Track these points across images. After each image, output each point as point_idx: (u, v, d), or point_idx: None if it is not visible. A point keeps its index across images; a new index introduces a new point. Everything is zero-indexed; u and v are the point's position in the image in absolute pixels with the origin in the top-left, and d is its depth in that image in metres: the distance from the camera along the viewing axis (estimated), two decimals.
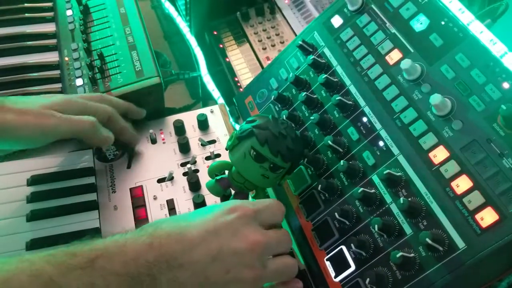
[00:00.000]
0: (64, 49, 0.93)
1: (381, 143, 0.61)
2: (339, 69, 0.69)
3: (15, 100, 0.70)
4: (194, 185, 0.76)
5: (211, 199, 0.74)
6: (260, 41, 1.04)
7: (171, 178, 0.78)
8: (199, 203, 0.73)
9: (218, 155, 0.81)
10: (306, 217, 0.66)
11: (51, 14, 1.03)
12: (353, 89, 0.67)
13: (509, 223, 0.48)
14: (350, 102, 0.66)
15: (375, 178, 0.60)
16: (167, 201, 0.75)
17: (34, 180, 0.78)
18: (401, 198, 0.55)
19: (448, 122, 0.56)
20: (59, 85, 0.89)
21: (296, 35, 1.00)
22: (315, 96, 0.70)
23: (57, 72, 0.91)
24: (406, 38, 0.64)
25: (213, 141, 0.83)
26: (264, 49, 1.02)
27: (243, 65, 1.01)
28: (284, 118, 0.70)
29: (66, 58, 0.92)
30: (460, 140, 0.54)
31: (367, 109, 0.64)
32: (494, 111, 0.53)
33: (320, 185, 0.63)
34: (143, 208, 0.75)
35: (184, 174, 0.79)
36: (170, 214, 0.74)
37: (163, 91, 0.86)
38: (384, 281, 0.55)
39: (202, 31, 1.10)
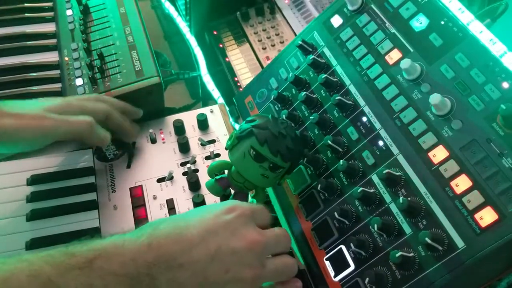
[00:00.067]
0: (64, 49, 0.94)
1: (380, 143, 0.61)
2: (338, 69, 0.70)
3: (12, 104, 0.71)
4: (194, 185, 0.76)
5: (211, 199, 0.74)
6: (260, 41, 1.04)
7: (170, 178, 0.78)
8: (199, 203, 0.73)
9: (218, 155, 0.81)
10: (306, 216, 0.66)
11: (51, 14, 1.03)
12: (352, 89, 0.67)
13: (509, 222, 0.48)
14: (350, 102, 0.66)
15: (375, 178, 0.60)
16: (167, 200, 0.75)
17: (34, 180, 0.78)
18: (401, 198, 0.55)
19: (447, 122, 0.56)
20: (59, 85, 0.89)
21: (296, 35, 1.00)
22: (314, 95, 0.70)
23: (57, 72, 0.91)
24: (406, 38, 0.64)
25: (212, 141, 0.83)
26: (264, 49, 1.02)
27: (243, 65, 1.01)
28: (284, 117, 0.70)
29: (66, 58, 0.92)
30: (459, 139, 0.54)
31: (366, 109, 0.64)
32: (494, 111, 0.53)
33: (319, 185, 0.63)
34: (143, 207, 0.75)
35: (184, 173, 0.79)
36: (170, 213, 0.74)
37: (163, 91, 0.86)
38: (383, 280, 0.55)
39: (202, 31, 1.10)
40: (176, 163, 0.80)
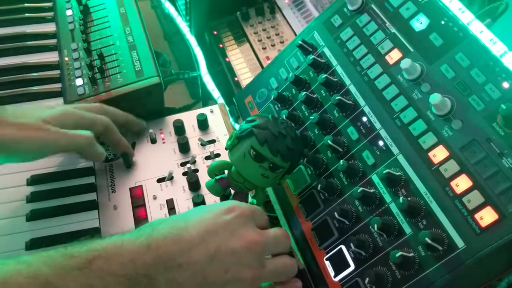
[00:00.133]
0: (64, 49, 0.94)
1: (380, 143, 0.61)
2: (339, 69, 0.69)
3: (13, 113, 0.70)
4: (194, 185, 0.76)
5: (211, 199, 0.74)
6: (260, 40, 1.04)
7: (170, 178, 0.78)
8: (199, 203, 0.73)
9: (218, 155, 0.81)
10: (306, 216, 0.66)
11: (51, 14, 1.03)
12: (352, 89, 0.67)
13: (509, 222, 0.48)
14: (350, 102, 0.65)
15: (375, 178, 0.60)
16: (166, 200, 0.75)
17: (33, 180, 0.78)
18: (401, 198, 0.55)
19: (447, 122, 0.56)
20: (59, 85, 0.89)
21: (296, 34, 1.00)
22: (315, 95, 0.70)
23: (57, 72, 0.91)
24: (406, 37, 0.64)
25: (212, 141, 0.83)
26: (264, 48, 1.02)
27: (243, 65, 1.01)
28: (284, 117, 0.70)
29: (66, 58, 0.92)
30: (459, 139, 0.54)
31: (366, 109, 0.64)
32: (494, 111, 0.53)
33: (319, 185, 0.63)
34: (143, 207, 0.75)
35: (184, 173, 0.79)
36: (169, 213, 0.74)
37: (163, 91, 0.86)
38: (383, 280, 0.54)
39: (202, 31, 1.10)
40: (176, 163, 0.80)
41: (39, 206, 0.75)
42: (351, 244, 0.57)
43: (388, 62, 0.64)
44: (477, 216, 0.50)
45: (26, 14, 1.03)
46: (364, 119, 0.64)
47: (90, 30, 0.95)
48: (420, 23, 0.63)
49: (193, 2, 1.06)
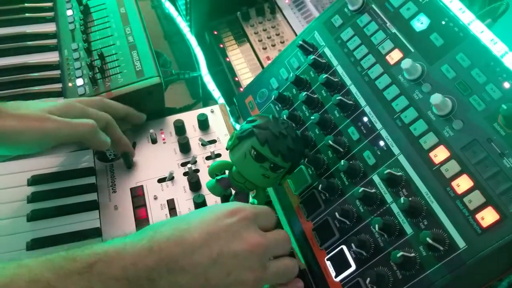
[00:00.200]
0: (65, 49, 0.94)
1: (381, 143, 0.61)
2: (339, 69, 0.69)
3: (15, 106, 0.70)
4: (195, 185, 0.76)
5: (212, 199, 0.74)
6: (260, 41, 1.04)
7: (171, 178, 0.78)
8: (200, 203, 0.73)
9: (219, 155, 0.81)
10: (307, 217, 0.66)
11: (51, 14, 1.03)
12: (353, 89, 0.67)
13: (510, 222, 0.48)
14: (351, 102, 0.65)
15: (376, 178, 0.60)
16: (167, 201, 0.75)
17: (34, 180, 0.78)
18: (402, 198, 0.55)
19: (448, 122, 0.56)
20: (59, 85, 0.89)
21: (296, 35, 1.00)
22: (315, 96, 0.70)
23: (58, 72, 0.91)
24: (407, 38, 0.64)
25: (213, 141, 0.83)
26: (265, 49, 1.02)
27: (243, 65, 1.01)
28: (285, 118, 0.70)
29: (67, 58, 0.92)
30: (460, 139, 0.54)
31: (367, 109, 0.64)
32: (495, 111, 0.53)
33: (320, 185, 0.63)
34: (144, 208, 0.75)
35: (185, 174, 0.79)
36: (170, 214, 0.74)
37: (164, 91, 0.86)
38: (384, 280, 0.55)
39: (202, 31, 1.10)
40: (177, 163, 0.80)
41: (40, 206, 0.75)
42: (352, 244, 0.57)
43: (389, 62, 0.64)
44: (478, 216, 0.50)
45: (27, 14, 1.03)
46: (365, 119, 0.64)
47: (91, 30, 0.95)
48: (420, 23, 0.63)
49: (194, 2, 1.05)
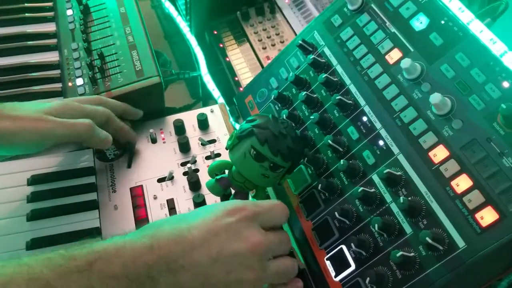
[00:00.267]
0: (64, 48, 0.94)
1: (381, 143, 0.61)
2: (339, 69, 0.69)
3: (11, 107, 0.70)
4: (194, 185, 0.76)
5: (211, 199, 0.74)
6: (260, 40, 1.04)
7: (171, 178, 0.78)
8: (199, 203, 0.73)
9: (218, 155, 0.81)
10: (306, 216, 0.66)
11: (51, 14, 1.03)
12: (353, 89, 0.67)
13: (509, 222, 0.48)
14: (350, 102, 0.65)
15: (375, 178, 0.60)
16: (167, 200, 0.75)
17: (34, 180, 0.78)
18: (401, 198, 0.55)
19: (448, 121, 0.56)
20: (59, 85, 0.89)
21: (296, 34, 1.00)
22: (315, 95, 0.70)
23: (58, 71, 0.91)
24: (406, 37, 0.64)
25: (213, 141, 0.83)
26: (264, 48, 1.02)
27: (243, 65, 1.01)
28: (284, 117, 0.70)
29: (67, 58, 0.92)
30: (460, 139, 0.54)
31: (367, 109, 0.64)
32: (494, 110, 0.53)
33: (320, 185, 0.63)
34: (143, 207, 0.75)
35: (184, 173, 0.79)
36: (170, 213, 0.74)
37: (163, 91, 0.86)
38: (384, 280, 0.54)
39: (202, 30, 1.10)
40: (177, 163, 0.80)
41: (39, 206, 0.75)
42: (352, 244, 0.57)
43: (388, 62, 0.64)
44: (477, 215, 0.50)
45: (26, 14, 1.03)
46: (364, 118, 0.64)
47: (91, 30, 0.95)
48: (420, 22, 0.63)
49: (193, 2, 1.06)
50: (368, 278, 0.55)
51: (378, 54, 0.66)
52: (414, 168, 0.57)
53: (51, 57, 0.95)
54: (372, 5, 0.69)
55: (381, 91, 0.63)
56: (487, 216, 0.49)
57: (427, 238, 0.51)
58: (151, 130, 0.84)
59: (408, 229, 0.55)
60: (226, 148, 0.65)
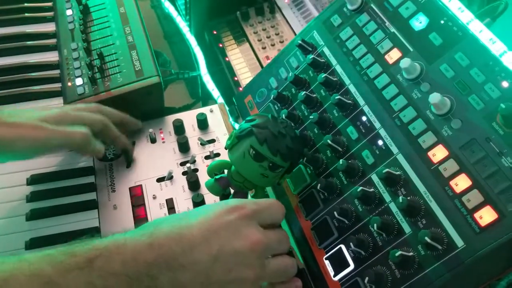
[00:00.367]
0: (64, 48, 0.94)
1: (380, 142, 0.61)
2: (338, 68, 0.69)
3: (9, 113, 0.70)
4: (194, 184, 0.76)
5: (211, 198, 0.74)
6: (259, 40, 1.04)
7: (170, 177, 0.78)
8: (199, 202, 0.73)
9: (218, 155, 0.81)
10: (305, 216, 0.66)
11: (51, 14, 1.03)
12: (352, 88, 0.67)
13: (508, 221, 0.48)
14: (350, 101, 0.65)
15: (374, 177, 0.60)
16: (166, 200, 0.75)
17: (33, 180, 0.78)
18: (400, 197, 0.55)
19: (447, 121, 0.56)
20: (59, 85, 0.89)
21: (295, 34, 1.00)
22: (314, 95, 0.70)
23: (57, 71, 0.91)
24: (406, 37, 0.64)
25: (212, 141, 0.83)
26: (264, 48, 1.02)
27: (242, 65, 1.01)
28: (284, 117, 0.70)
29: (66, 58, 0.92)
30: (459, 139, 0.54)
31: (366, 108, 0.64)
32: (493, 110, 0.53)
33: (319, 184, 0.63)
34: (143, 207, 0.75)
35: (184, 173, 0.79)
36: (169, 213, 0.74)
37: (163, 91, 0.86)
38: (383, 280, 0.54)
39: (201, 30, 1.10)
40: (176, 162, 0.80)
41: (38, 206, 0.75)
42: (351, 244, 0.57)
43: (388, 62, 0.64)
44: (476, 215, 0.50)
45: (26, 14, 1.03)
46: (364, 118, 0.64)
47: (90, 30, 0.95)
48: (419, 22, 0.63)
49: (193, 2, 1.06)
50: (367, 278, 0.55)
51: (377, 54, 0.66)
52: (413, 168, 0.57)
53: (51, 57, 0.95)
54: (372, 5, 0.69)
55: (381, 91, 0.63)
56: (486, 216, 0.49)
57: (426, 238, 0.51)
58: (150, 130, 0.84)
59: (407, 228, 0.55)
60: (226, 148, 0.65)
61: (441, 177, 0.54)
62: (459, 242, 0.50)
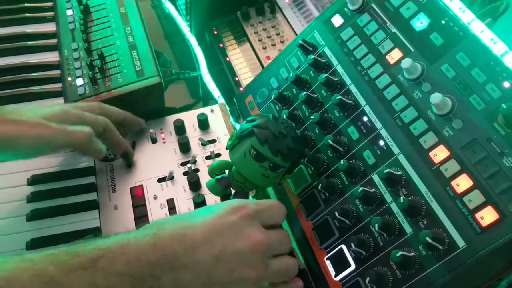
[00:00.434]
0: (65, 48, 0.94)
1: (381, 142, 0.61)
2: (339, 69, 0.69)
3: (11, 111, 0.70)
4: (194, 185, 0.76)
5: (211, 199, 0.74)
6: (260, 40, 1.04)
7: (171, 178, 0.78)
8: (199, 203, 0.73)
9: (219, 155, 0.81)
10: (306, 216, 0.66)
11: (51, 14, 1.03)
12: (353, 89, 0.67)
13: (509, 222, 0.48)
14: (351, 102, 0.65)
15: (375, 177, 0.60)
16: (167, 200, 0.75)
17: (34, 180, 0.78)
18: (401, 197, 0.55)
19: (448, 121, 0.56)
20: (59, 85, 0.89)
21: (296, 34, 1.00)
22: (315, 95, 0.70)
23: (58, 72, 0.91)
24: (407, 37, 0.64)
25: (213, 141, 0.83)
26: (265, 48, 1.02)
27: (243, 65, 1.01)
28: (285, 117, 0.70)
29: (67, 58, 0.92)
30: (460, 139, 0.54)
31: (367, 109, 0.64)
32: (495, 110, 0.53)
33: (320, 184, 0.63)
34: (144, 207, 0.75)
35: (185, 173, 0.79)
36: (170, 213, 0.74)
37: (163, 91, 0.86)
38: (384, 280, 0.54)
39: (202, 30, 1.10)
40: (177, 163, 0.80)
41: (39, 206, 0.75)
42: (352, 244, 0.57)
43: (389, 62, 0.64)
44: (477, 215, 0.50)
45: (26, 14, 1.03)
46: (365, 118, 0.64)
47: (91, 30, 0.95)
48: (420, 22, 0.63)
49: (194, 2, 1.06)
50: (368, 278, 0.55)
51: (378, 54, 0.66)
52: (414, 168, 0.57)
53: (51, 57, 0.95)
54: (373, 5, 0.69)
55: (382, 91, 0.63)
56: (487, 216, 0.49)
57: (427, 238, 0.51)
58: (151, 130, 0.84)
59: (408, 229, 0.55)
60: (226, 148, 0.65)
61: (442, 178, 0.54)
62: (460, 243, 0.51)
